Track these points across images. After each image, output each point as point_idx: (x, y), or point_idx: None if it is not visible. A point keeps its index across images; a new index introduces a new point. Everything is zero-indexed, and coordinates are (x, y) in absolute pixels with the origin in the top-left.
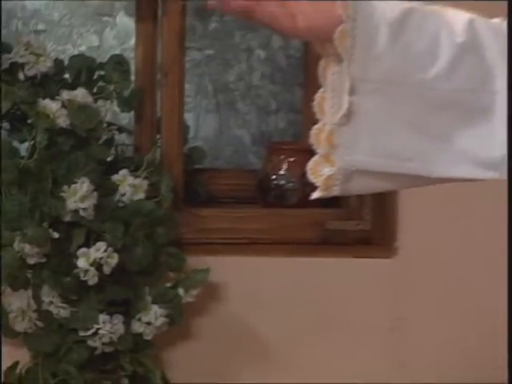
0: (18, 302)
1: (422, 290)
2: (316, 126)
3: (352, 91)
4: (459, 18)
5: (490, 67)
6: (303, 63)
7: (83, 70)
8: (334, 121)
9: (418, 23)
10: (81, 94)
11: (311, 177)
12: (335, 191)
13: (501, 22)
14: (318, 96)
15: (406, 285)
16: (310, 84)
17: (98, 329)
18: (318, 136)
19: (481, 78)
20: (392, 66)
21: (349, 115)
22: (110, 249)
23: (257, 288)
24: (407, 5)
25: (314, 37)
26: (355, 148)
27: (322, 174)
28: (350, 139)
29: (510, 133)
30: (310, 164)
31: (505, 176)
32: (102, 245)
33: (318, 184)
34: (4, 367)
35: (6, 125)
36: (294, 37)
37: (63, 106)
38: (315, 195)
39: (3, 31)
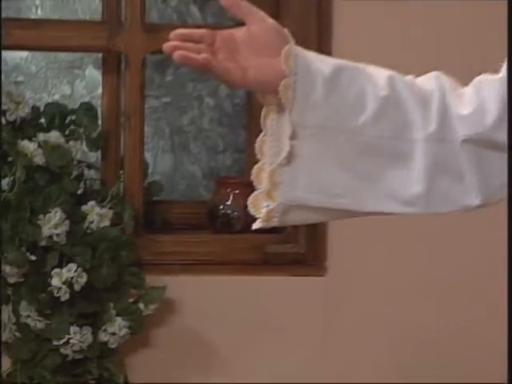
0: (0, 316)
1: (350, 302)
2: (256, 166)
3: (292, 136)
4: (381, 74)
5: (409, 119)
6: (246, 109)
7: (57, 116)
8: (276, 162)
9: (348, 78)
10: (54, 136)
11: (252, 210)
12: (274, 223)
13: (413, 78)
14: (258, 140)
15: (335, 298)
16: (253, 127)
17: (69, 338)
18: (258, 174)
19: (400, 127)
20: (327, 115)
21: (289, 157)
22: (79, 269)
23: (207, 303)
24: (338, 61)
25: (261, 88)
26: (295, 185)
27: (261, 207)
28: (290, 177)
29: (510, 137)
30: (251, 199)
31: (421, 211)
32: (72, 266)
33: (257, 216)
34: None
35: None
36: (243, 88)
37: (39, 146)
38: (256, 226)
39: None
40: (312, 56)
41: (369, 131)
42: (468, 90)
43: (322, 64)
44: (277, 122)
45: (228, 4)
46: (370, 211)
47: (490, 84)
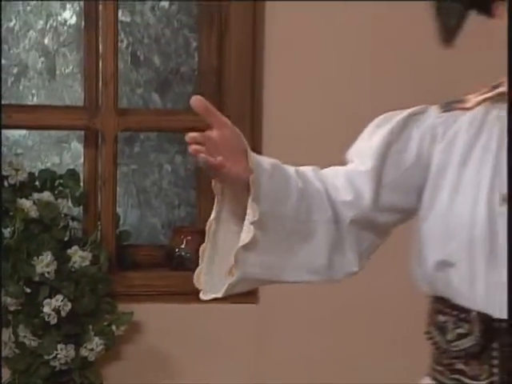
0: (2, 336)
1: (277, 324)
2: (197, 269)
3: (255, 222)
4: (291, 168)
5: (314, 205)
6: (196, 174)
7: (48, 179)
8: (237, 245)
9: (279, 174)
10: (46, 195)
11: (196, 284)
12: (227, 293)
13: (304, 170)
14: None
15: (265, 321)
16: (201, 188)
17: (57, 354)
18: (197, 277)
19: (310, 212)
20: (269, 203)
21: (254, 239)
22: (65, 299)
23: (165, 325)
24: (270, 160)
25: (235, 181)
26: (247, 263)
27: (201, 281)
28: (245, 257)
29: (510, 141)
30: (195, 276)
31: (324, 279)
32: (60, 297)
33: (200, 288)
34: None
35: None
36: (227, 178)
37: (34, 203)
38: (209, 297)
39: None
40: (257, 156)
41: (292, 215)
42: (339, 181)
43: (263, 162)
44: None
45: (199, 109)
46: (292, 281)
47: (360, 175)
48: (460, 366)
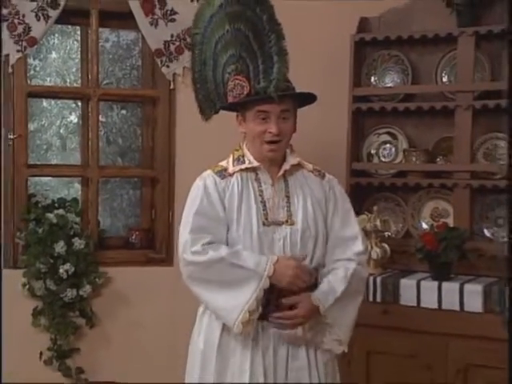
0: (38, 284)
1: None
2: None
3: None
4: None
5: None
6: (140, 200)
7: (62, 203)
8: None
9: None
10: (61, 211)
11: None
12: None
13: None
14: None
15: (178, 277)
16: (143, 207)
17: (66, 293)
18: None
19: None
20: None
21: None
22: (71, 265)
23: (125, 278)
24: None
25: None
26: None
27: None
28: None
29: (511, 135)
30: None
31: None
32: (68, 264)
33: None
34: (31, 311)
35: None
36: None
37: (55, 216)
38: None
39: None
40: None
41: None
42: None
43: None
44: None
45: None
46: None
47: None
48: None
